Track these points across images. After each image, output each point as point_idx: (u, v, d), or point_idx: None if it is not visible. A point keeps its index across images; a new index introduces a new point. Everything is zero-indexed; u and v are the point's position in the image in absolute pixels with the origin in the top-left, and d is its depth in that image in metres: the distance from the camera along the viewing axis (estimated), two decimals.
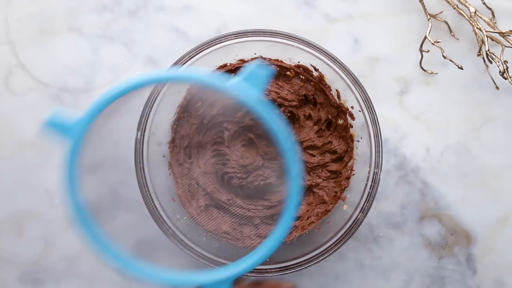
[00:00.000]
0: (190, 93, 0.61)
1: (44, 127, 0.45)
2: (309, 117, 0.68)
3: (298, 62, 0.64)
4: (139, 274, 0.46)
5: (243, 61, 0.64)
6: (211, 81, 0.44)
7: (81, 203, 0.45)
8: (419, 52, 0.69)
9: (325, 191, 0.68)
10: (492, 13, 0.69)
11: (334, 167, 0.68)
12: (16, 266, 0.70)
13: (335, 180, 0.69)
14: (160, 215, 0.65)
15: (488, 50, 0.66)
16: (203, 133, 0.66)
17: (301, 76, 0.66)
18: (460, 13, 0.68)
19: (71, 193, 0.45)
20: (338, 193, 0.68)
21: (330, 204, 0.68)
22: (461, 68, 0.68)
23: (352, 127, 0.65)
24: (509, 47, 0.67)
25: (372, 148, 0.63)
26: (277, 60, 0.65)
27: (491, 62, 0.67)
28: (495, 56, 0.66)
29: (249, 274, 0.63)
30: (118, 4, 0.71)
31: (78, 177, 0.45)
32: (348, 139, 0.66)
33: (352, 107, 0.64)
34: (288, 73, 0.66)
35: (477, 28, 0.67)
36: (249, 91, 0.43)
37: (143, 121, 0.65)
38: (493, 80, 0.69)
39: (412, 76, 0.70)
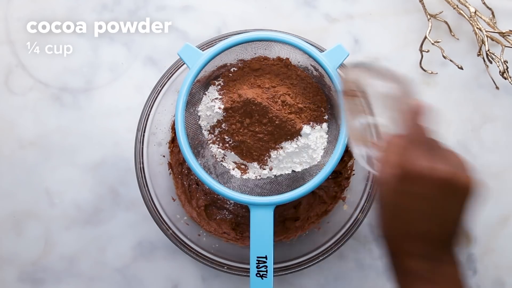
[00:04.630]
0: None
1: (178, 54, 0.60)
2: None
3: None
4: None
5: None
6: (306, 49, 0.60)
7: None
8: (419, 52, 0.69)
9: (325, 191, 0.68)
10: (492, 13, 0.69)
11: None
12: (16, 266, 0.70)
13: (335, 180, 0.69)
14: (160, 215, 0.65)
15: (488, 50, 0.66)
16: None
17: None
18: (460, 13, 0.68)
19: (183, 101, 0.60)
20: (338, 193, 0.68)
21: (330, 204, 0.68)
22: (461, 68, 0.68)
23: None
24: (509, 47, 0.67)
25: None
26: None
27: (491, 62, 0.67)
28: (495, 56, 0.66)
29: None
30: (118, 4, 0.71)
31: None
32: None
33: None
34: None
35: (477, 28, 0.67)
36: (332, 62, 0.60)
37: (143, 121, 0.65)
38: (493, 80, 0.69)
39: (412, 76, 0.70)
